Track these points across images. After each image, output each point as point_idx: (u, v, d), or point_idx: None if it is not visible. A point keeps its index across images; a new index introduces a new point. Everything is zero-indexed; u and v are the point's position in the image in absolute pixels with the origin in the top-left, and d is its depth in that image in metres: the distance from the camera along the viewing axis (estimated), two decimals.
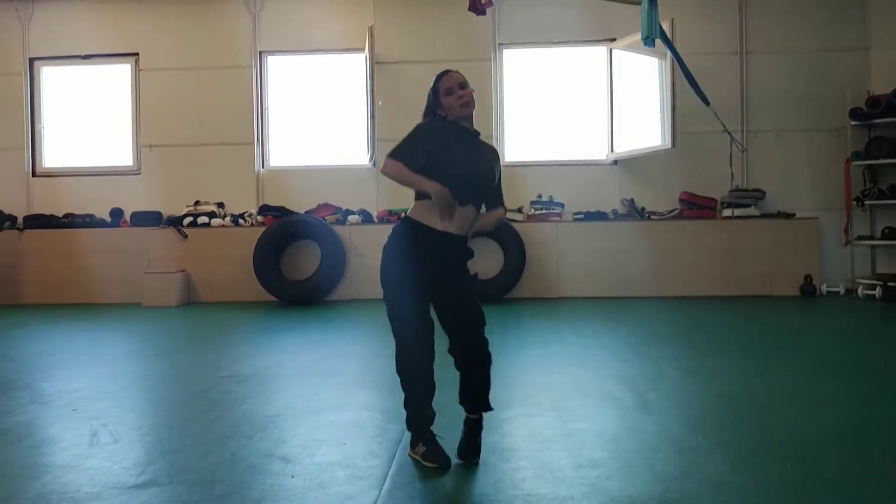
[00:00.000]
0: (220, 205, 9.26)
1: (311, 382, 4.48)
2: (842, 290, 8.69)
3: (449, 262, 3.02)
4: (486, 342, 3.06)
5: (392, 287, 3.03)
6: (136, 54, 9.54)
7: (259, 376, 4.69)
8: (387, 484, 2.75)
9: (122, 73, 9.64)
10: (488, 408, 3.11)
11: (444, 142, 3.01)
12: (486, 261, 8.71)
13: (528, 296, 8.55)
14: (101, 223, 9.24)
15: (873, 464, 2.94)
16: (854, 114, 8.75)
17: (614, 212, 9.01)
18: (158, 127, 9.47)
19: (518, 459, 3.02)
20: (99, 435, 3.44)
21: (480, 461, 2.99)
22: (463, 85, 3.08)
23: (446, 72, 3.11)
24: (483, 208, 3.18)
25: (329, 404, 3.93)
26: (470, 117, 3.11)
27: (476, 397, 3.09)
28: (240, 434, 3.44)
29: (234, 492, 2.70)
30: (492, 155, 3.20)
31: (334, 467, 2.94)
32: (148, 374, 4.99)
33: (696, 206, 8.88)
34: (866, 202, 8.75)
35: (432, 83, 3.12)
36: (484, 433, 3.17)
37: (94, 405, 4.04)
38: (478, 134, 3.16)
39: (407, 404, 3.08)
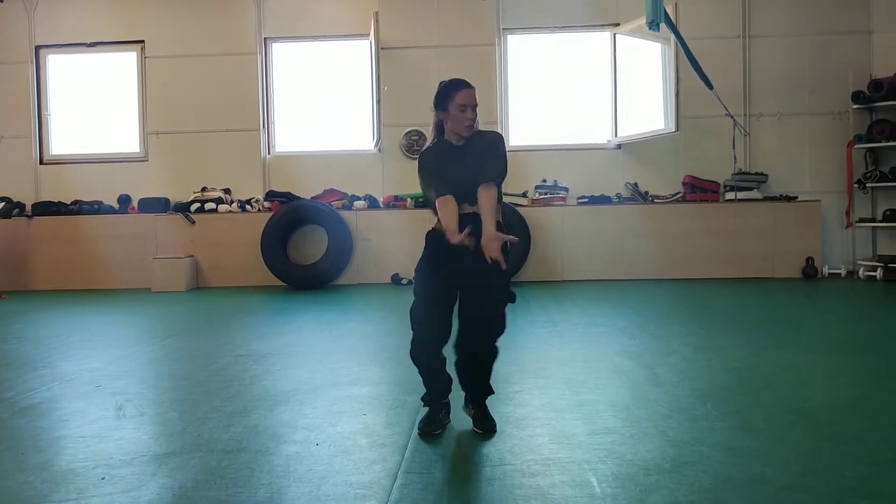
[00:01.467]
0: (227, 191, 9.34)
1: (327, 360, 4.57)
2: (843, 271, 8.77)
3: (469, 258, 3.01)
4: (494, 351, 3.11)
5: (416, 287, 3.14)
6: (142, 42, 9.58)
7: (275, 355, 4.78)
8: (408, 451, 2.84)
9: (127, 60, 9.69)
10: (489, 393, 3.18)
11: (441, 164, 3.14)
12: None
13: (534, 279, 8.64)
14: (109, 210, 9.31)
15: (884, 430, 3.03)
16: (856, 97, 8.82)
17: (618, 195, 9.09)
18: (165, 114, 9.53)
19: (533, 427, 3.11)
20: (124, 409, 3.53)
21: (500, 428, 3.08)
22: (475, 106, 3.13)
23: (466, 86, 3.12)
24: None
25: (346, 379, 4.02)
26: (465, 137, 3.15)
27: (476, 389, 3.16)
28: (261, 407, 3.53)
29: (260, 458, 2.79)
30: (483, 145, 3.14)
31: (356, 436, 3.04)
32: (164, 354, 5.08)
33: (699, 190, 8.96)
34: (868, 185, 8.83)
35: (447, 85, 3.15)
36: (498, 404, 3.27)
37: (115, 382, 4.13)
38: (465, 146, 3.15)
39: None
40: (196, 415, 3.43)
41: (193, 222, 9.03)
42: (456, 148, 3.17)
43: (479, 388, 3.17)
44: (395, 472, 2.62)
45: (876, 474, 2.54)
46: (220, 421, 3.30)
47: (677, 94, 8.36)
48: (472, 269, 2.98)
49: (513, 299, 3.07)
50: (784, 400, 3.50)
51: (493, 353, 3.13)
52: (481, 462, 2.73)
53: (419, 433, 3.04)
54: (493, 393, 3.21)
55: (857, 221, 8.95)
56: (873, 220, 8.89)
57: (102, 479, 2.61)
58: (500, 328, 3.09)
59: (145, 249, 9.00)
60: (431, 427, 3.07)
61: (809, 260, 8.68)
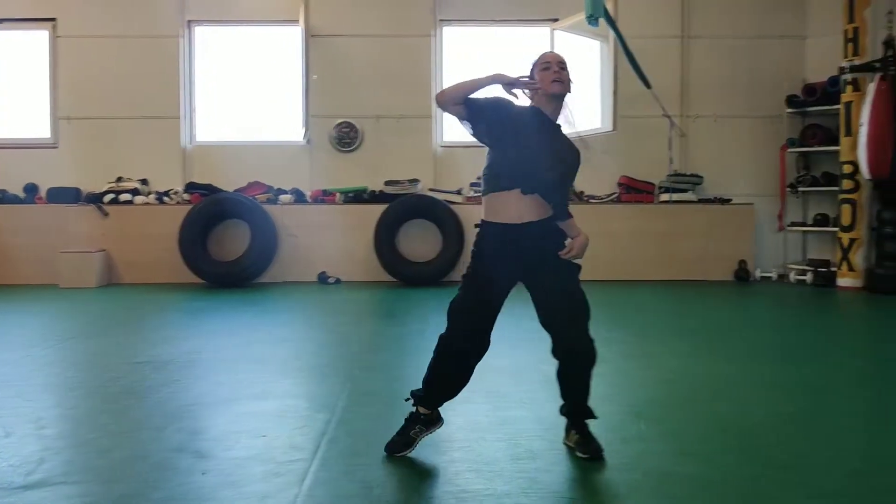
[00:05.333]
0: (144, 181, 8.79)
1: (234, 369, 4.20)
2: (774, 275, 8.77)
3: (531, 253, 2.77)
4: (591, 345, 2.81)
5: (465, 281, 2.82)
6: (54, 20, 8.93)
7: (177, 362, 4.37)
8: (308, 480, 2.51)
9: (38, 39, 9.04)
10: (589, 416, 2.85)
11: (515, 119, 2.79)
12: (423, 244, 8.52)
13: None
14: (14, 199, 8.68)
15: (821, 452, 2.84)
16: (790, 101, 8.82)
17: None
18: (78, 98, 8.92)
19: (453, 451, 2.82)
20: None
21: (415, 454, 2.78)
22: (562, 65, 2.83)
23: (548, 52, 2.90)
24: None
25: (251, 392, 3.65)
26: (556, 102, 2.81)
27: (576, 404, 2.85)
28: (150, 426, 3.15)
29: (135, 492, 2.42)
30: (572, 152, 2.88)
31: (251, 462, 2.68)
32: (58, 359, 4.61)
33: (634, 191, 8.83)
34: (800, 189, 8.84)
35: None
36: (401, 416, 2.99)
37: None
38: (558, 127, 2.86)
39: (424, 382, 2.89)
40: (75, 436, 3.03)
41: (107, 214, 8.48)
42: (546, 120, 2.81)
43: (576, 402, 2.84)
44: None
45: None
46: (100, 444, 2.90)
47: (615, 93, 8.19)
48: (536, 252, 2.76)
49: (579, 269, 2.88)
50: (721, 417, 3.30)
51: (591, 349, 2.80)
52: (388, 496, 2.41)
53: (387, 452, 2.76)
54: (593, 416, 2.86)
55: (788, 225, 8.96)
56: (804, 224, 8.91)
57: None
58: (587, 310, 2.82)
59: (54, 242, 8.38)
60: (400, 447, 2.77)
61: (742, 263, 8.65)
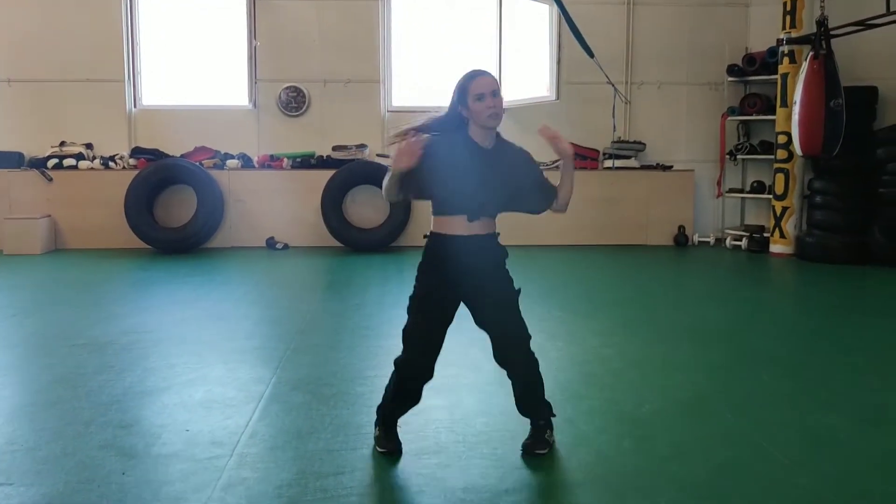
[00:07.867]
0: (89, 146, 8.74)
1: (169, 353, 4.33)
2: (712, 240, 9.08)
3: (478, 269, 2.87)
4: (529, 357, 2.96)
5: (412, 306, 2.92)
6: None
7: (115, 345, 4.49)
8: (222, 480, 2.68)
9: None
10: (542, 416, 3.01)
11: (447, 156, 2.80)
12: (370, 210, 8.63)
13: (412, 244, 8.52)
14: None
15: (703, 442, 3.08)
16: (731, 70, 8.99)
17: None
18: (18, 60, 8.77)
19: (364, 448, 3.00)
20: None
21: (331, 452, 2.97)
22: (495, 93, 2.80)
23: (479, 73, 2.83)
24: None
25: (181, 380, 3.80)
26: (489, 131, 2.85)
27: (526, 407, 3.02)
28: (79, 420, 3.28)
29: (57, 495, 2.56)
30: (515, 161, 2.94)
31: (171, 460, 2.85)
32: None
33: (578, 157, 8.98)
34: (738, 156, 9.09)
35: (461, 80, 2.85)
36: (323, 408, 3.16)
37: None
38: (498, 142, 2.90)
39: (385, 398, 3.02)
40: (3, 434, 3.14)
41: (51, 179, 8.44)
42: (484, 150, 2.85)
43: (531, 411, 3.01)
44: None
45: (690, 500, 2.57)
46: (27, 442, 3.03)
47: (559, 62, 8.29)
48: (482, 268, 2.85)
49: (518, 294, 2.96)
50: (621, 403, 3.53)
51: (533, 363, 2.96)
52: (302, 492, 2.60)
53: (382, 453, 2.92)
54: (550, 416, 3.02)
55: (727, 191, 9.23)
56: (742, 190, 9.19)
57: None
58: (526, 333, 2.95)
59: None
60: (392, 446, 2.94)
61: (681, 228, 8.93)
